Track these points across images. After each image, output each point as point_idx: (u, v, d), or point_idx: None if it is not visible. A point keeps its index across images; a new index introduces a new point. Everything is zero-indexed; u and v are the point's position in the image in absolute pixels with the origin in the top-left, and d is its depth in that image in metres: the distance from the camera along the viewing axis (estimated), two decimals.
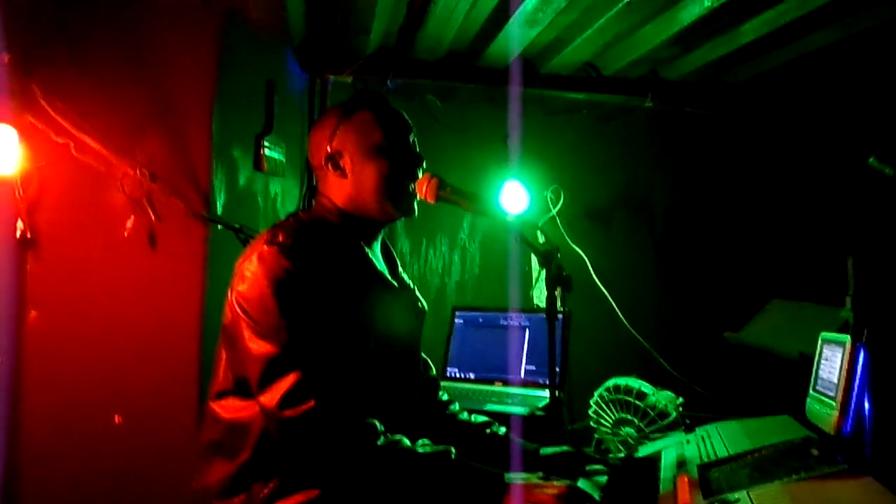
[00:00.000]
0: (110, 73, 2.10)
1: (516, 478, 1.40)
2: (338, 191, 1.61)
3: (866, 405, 1.40)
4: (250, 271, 1.45)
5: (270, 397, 1.37)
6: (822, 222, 2.97)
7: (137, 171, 2.07)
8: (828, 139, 2.90)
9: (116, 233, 2.09)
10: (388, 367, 1.59)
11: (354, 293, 1.51)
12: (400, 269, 1.78)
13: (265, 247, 1.46)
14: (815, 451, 1.32)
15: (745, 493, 1.18)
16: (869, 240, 2.09)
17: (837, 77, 2.81)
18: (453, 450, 1.43)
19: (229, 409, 1.49)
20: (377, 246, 1.69)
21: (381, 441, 1.38)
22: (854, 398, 1.40)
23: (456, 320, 2.85)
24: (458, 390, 2.63)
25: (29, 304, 2.05)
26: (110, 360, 2.10)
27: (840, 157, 2.75)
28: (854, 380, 1.41)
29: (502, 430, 1.79)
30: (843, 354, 1.46)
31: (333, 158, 1.59)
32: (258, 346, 1.40)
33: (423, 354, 1.84)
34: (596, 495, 1.47)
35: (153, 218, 2.09)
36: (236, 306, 1.45)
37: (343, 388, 1.40)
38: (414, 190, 1.62)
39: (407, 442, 1.41)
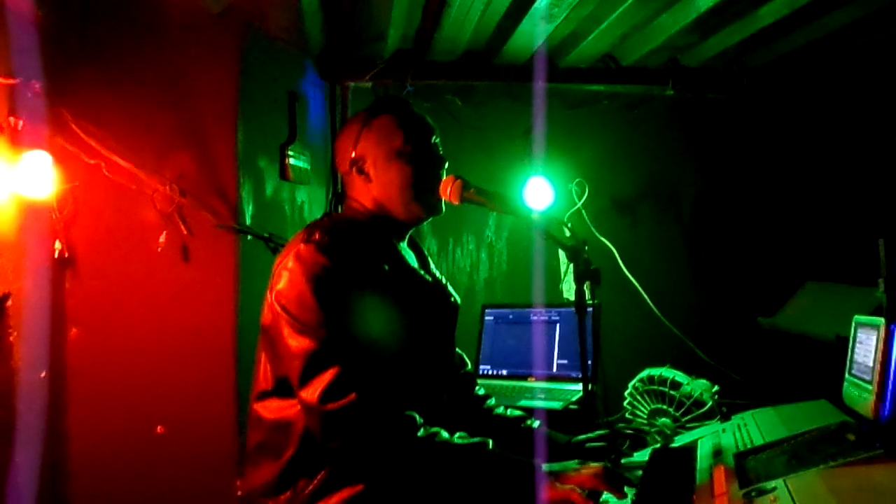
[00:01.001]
0: (137, 93, 2.16)
1: (554, 467, 1.42)
2: (365, 194, 1.64)
3: None
4: (288, 269, 1.48)
5: (312, 392, 1.39)
6: (854, 202, 2.92)
7: (167, 188, 2.12)
8: (853, 118, 2.86)
9: (150, 248, 2.15)
10: (423, 361, 1.61)
11: (389, 288, 1.54)
12: (431, 264, 1.80)
13: (302, 245, 1.49)
14: (851, 437, 1.31)
15: (781, 481, 1.17)
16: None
17: (859, 55, 2.76)
18: (490, 441, 1.45)
19: (272, 409, 1.52)
20: (404, 244, 1.71)
21: (421, 433, 1.41)
22: (891, 381, 1.38)
23: (486, 318, 2.86)
24: (491, 387, 2.62)
25: (69, 322, 2.11)
26: (150, 372, 2.16)
27: (867, 136, 2.71)
28: (890, 363, 1.39)
29: (537, 423, 1.81)
30: (877, 337, 1.44)
31: (358, 164, 1.63)
32: (298, 343, 1.43)
33: (458, 350, 1.87)
34: (632, 490, 1.47)
35: (185, 232, 2.13)
36: (276, 305, 1.48)
37: (382, 381, 1.42)
38: (437, 191, 1.65)
39: (445, 434, 1.44)
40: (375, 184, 1.62)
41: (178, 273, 2.15)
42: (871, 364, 1.45)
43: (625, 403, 2.42)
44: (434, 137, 1.68)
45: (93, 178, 2.08)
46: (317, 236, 1.49)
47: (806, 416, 1.60)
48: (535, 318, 2.76)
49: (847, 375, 1.62)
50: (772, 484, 1.17)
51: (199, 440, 2.16)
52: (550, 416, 2.29)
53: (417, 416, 1.43)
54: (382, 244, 1.61)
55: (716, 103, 3.15)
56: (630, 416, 2.42)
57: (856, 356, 1.58)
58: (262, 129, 2.37)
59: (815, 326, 2.47)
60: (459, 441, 1.44)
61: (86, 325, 2.13)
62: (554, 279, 3.06)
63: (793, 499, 1.07)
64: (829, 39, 2.66)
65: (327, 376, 1.39)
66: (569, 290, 2.99)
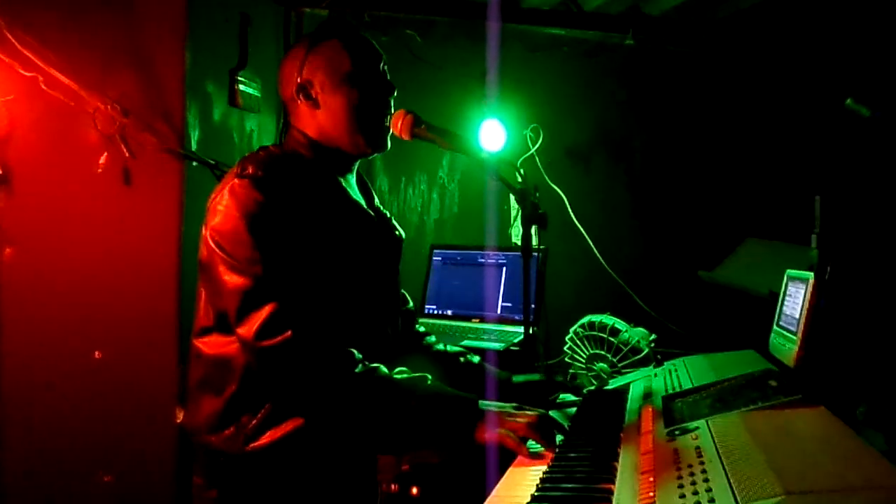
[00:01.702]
0: (79, 5, 2.05)
1: (490, 405, 1.43)
2: (309, 122, 1.60)
3: (824, 340, 1.45)
4: (222, 205, 1.45)
5: (247, 329, 1.39)
6: (799, 162, 2.99)
7: (109, 107, 2.04)
8: (808, 78, 2.90)
9: (90, 169, 2.08)
10: (366, 295, 1.60)
11: (329, 223, 1.52)
12: (377, 200, 1.78)
13: (235, 180, 1.46)
14: (773, 383, 1.37)
15: (704, 421, 1.22)
16: (839, 180, 2.11)
17: (818, 15, 2.78)
18: (430, 377, 1.46)
19: (212, 344, 1.51)
20: (352, 178, 1.68)
21: (358, 368, 1.41)
22: (813, 333, 1.44)
23: (434, 258, 2.87)
24: (435, 327, 2.67)
25: (3, 241, 2.04)
26: (88, 296, 2.11)
27: (819, 96, 2.75)
28: (814, 315, 1.45)
29: (476, 358, 1.84)
30: (805, 290, 1.50)
31: (304, 89, 1.57)
32: (234, 280, 1.41)
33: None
34: (565, 425, 1.52)
35: (127, 154, 2.07)
36: (210, 242, 1.45)
37: (320, 317, 1.42)
38: (387, 124, 1.62)
39: (384, 370, 1.44)
40: (322, 110, 1.58)
41: (119, 196, 2.09)
42: (797, 316, 1.52)
43: (565, 348, 2.48)
44: (382, 64, 1.63)
45: (30, 92, 1.99)
46: (250, 170, 1.46)
47: (734, 364, 1.66)
48: (483, 260, 2.79)
49: (775, 327, 1.69)
50: (695, 424, 1.23)
51: (139, 368, 2.14)
52: (492, 356, 2.33)
53: (356, 353, 1.43)
54: (323, 179, 1.57)
55: (674, 56, 3.15)
56: (569, 360, 2.48)
57: (784, 308, 1.65)
58: (212, 52, 2.29)
59: (751, 281, 2.54)
60: (398, 377, 1.45)
61: (20, 244, 2.07)
62: (504, 223, 3.07)
63: (712, 437, 1.12)
64: None
65: (262, 313, 1.38)
66: (517, 234, 3.02)
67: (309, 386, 1.40)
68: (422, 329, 1.92)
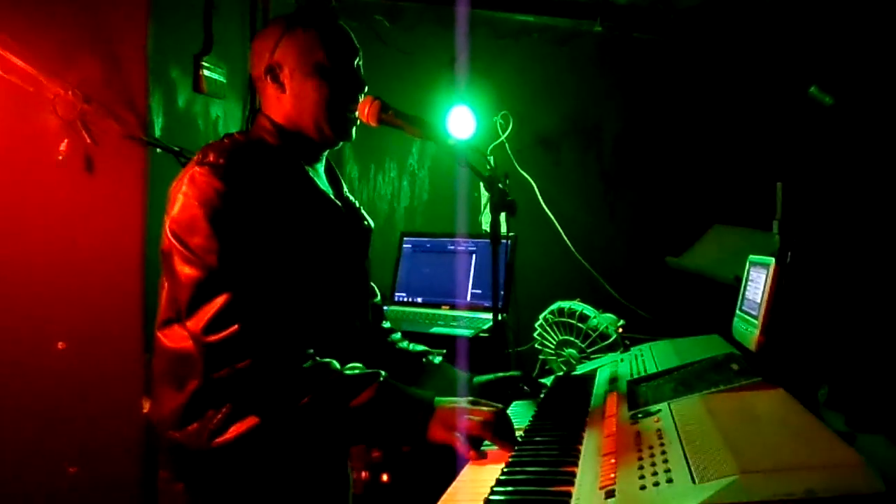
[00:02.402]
0: None
1: (445, 401, 1.39)
2: (276, 106, 1.56)
3: (784, 324, 1.48)
4: (182, 194, 1.41)
5: (196, 322, 1.35)
6: (765, 149, 3.03)
7: (70, 92, 1.99)
8: (771, 66, 2.93)
9: (50, 156, 2.03)
10: (333, 287, 1.57)
11: (294, 213, 1.48)
12: (346, 190, 1.75)
13: (196, 168, 1.42)
14: (735, 366, 1.39)
15: (666, 404, 1.24)
16: (800, 166, 2.15)
17: (780, 4, 2.82)
18: (384, 373, 1.41)
19: (173, 338, 1.47)
20: (320, 167, 1.65)
21: (308, 364, 1.37)
22: (774, 317, 1.47)
23: (404, 245, 2.87)
24: (405, 314, 2.67)
25: None
26: (50, 285, 2.07)
27: (782, 84, 2.79)
28: (775, 300, 1.48)
29: (438, 359, 1.80)
30: (766, 275, 1.52)
31: (273, 71, 1.54)
32: (187, 271, 1.37)
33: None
34: (530, 413, 1.53)
35: (88, 140, 2.02)
36: (169, 232, 1.42)
37: (273, 312, 1.38)
38: (354, 115, 1.59)
39: (336, 365, 1.40)
40: (289, 96, 1.54)
41: (81, 184, 2.05)
42: (758, 301, 1.54)
43: (535, 334, 2.50)
44: (357, 60, 1.60)
45: None
46: (211, 157, 1.41)
47: (698, 349, 1.69)
48: (452, 247, 2.79)
49: (738, 311, 1.72)
50: (657, 407, 1.24)
51: (104, 358, 2.11)
52: (461, 343, 2.34)
53: (309, 349, 1.39)
54: (289, 167, 1.53)
55: (642, 44, 3.17)
56: (539, 346, 2.51)
57: (747, 293, 1.67)
58: (176, 37, 2.25)
59: (717, 267, 2.57)
60: (350, 373, 1.40)
61: None
62: (474, 210, 3.08)
63: (674, 419, 1.13)
64: None
65: (212, 307, 1.34)
66: (487, 221, 3.03)
67: (254, 381, 1.35)
68: (387, 325, 1.88)
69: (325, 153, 1.66)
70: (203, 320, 1.34)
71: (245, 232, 1.39)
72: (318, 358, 1.39)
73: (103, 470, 2.11)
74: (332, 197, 1.62)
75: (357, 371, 1.41)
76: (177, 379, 1.47)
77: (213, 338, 1.33)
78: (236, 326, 1.33)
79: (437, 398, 1.40)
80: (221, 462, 1.45)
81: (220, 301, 1.34)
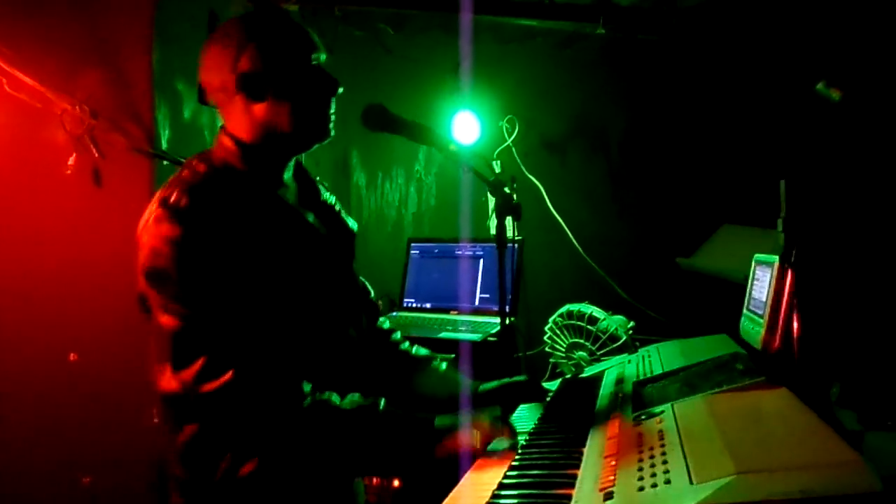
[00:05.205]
0: (44, 6, 2.03)
1: (446, 421, 1.38)
2: (242, 120, 1.43)
3: (792, 322, 1.46)
4: (147, 236, 1.33)
5: (187, 373, 1.30)
6: (773, 147, 3.01)
7: (77, 108, 2.02)
8: (776, 64, 2.91)
9: (59, 170, 2.06)
10: (320, 307, 1.50)
11: (269, 243, 1.39)
12: (323, 194, 1.64)
13: (158, 210, 1.33)
14: (739, 366, 1.39)
15: (669, 405, 1.24)
16: (805, 163, 2.13)
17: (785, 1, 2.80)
18: (382, 401, 1.39)
19: (165, 379, 1.36)
20: (289, 175, 1.53)
21: (307, 402, 1.34)
22: (779, 316, 1.46)
23: (412, 251, 2.88)
24: (414, 319, 2.68)
25: None
26: (61, 299, 2.10)
27: (788, 80, 2.77)
28: (780, 298, 1.47)
29: (443, 365, 1.75)
30: (771, 274, 1.51)
31: (241, 80, 1.39)
32: (166, 320, 1.31)
33: (361, 278, 1.75)
34: (537, 416, 1.53)
35: (96, 154, 2.05)
36: (143, 278, 1.35)
37: (263, 351, 1.32)
38: (331, 113, 1.49)
39: (336, 399, 1.37)
40: (262, 105, 1.41)
41: (90, 197, 2.08)
42: (764, 300, 1.53)
43: (545, 337, 2.50)
44: (322, 55, 1.48)
45: None
46: (173, 197, 1.32)
47: (705, 349, 1.68)
48: (460, 252, 2.80)
49: (745, 311, 1.71)
50: (660, 408, 1.24)
51: (115, 369, 2.13)
52: (470, 347, 2.34)
53: (305, 385, 1.35)
54: (258, 194, 1.43)
55: (646, 45, 3.16)
56: (549, 350, 2.50)
57: (753, 292, 1.67)
58: (181, 50, 2.27)
59: (727, 267, 2.56)
60: (349, 406, 1.37)
61: None
62: (482, 215, 3.08)
63: (675, 420, 1.13)
64: None
65: (200, 357, 1.28)
66: (495, 225, 3.03)
67: (256, 425, 1.32)
68: (387, 325, 1.81)
69: (292, 161, 1.53)
70: (193, 371, 1.29)
71: (216, 273, 1.31)
72: (317, 394, 1.36)
73: (117, 479, 2.13)
74: (310, 217, 1.53)
75: (355, 404, 1.38)
76: (175, 420, 1.41)
77: (208, 387, 1.28)
78: (230, 373, 1.28)
79: (437, 418, 1.38)
80: (231, 493, 1.39)
81: (205, 350, 1.29)
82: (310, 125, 1.47)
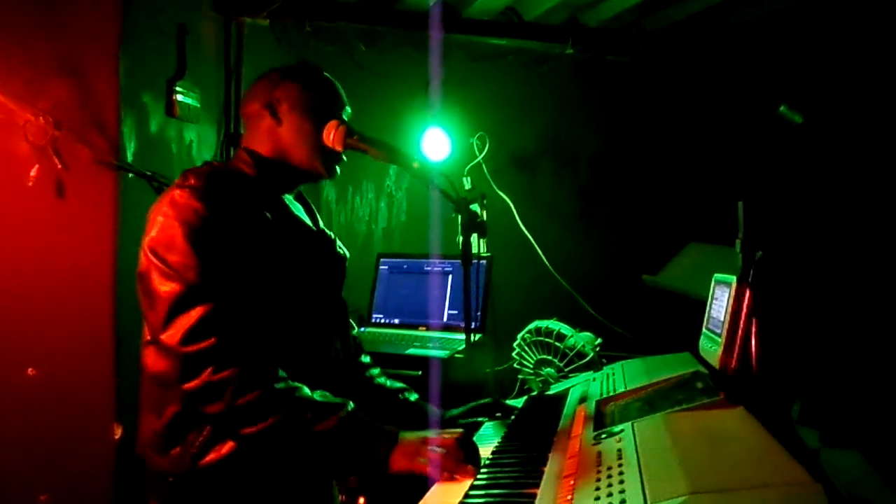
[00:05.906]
0: (8, 16, 2.00)
1: (408, 434, 1.40)
2: (266, 139, 1.63)
3: (749, 341, 1.49)
4: (162, 214, 1.44)
5: (173, 334, 1.36)
6: (739, 167, 3.06)
7: (40, 118, 1.99)
8: (739, 87, 2.98)
9: (20, 181, 2.03)
10: (308, 311, 1.59)
11: (270, 237, 1.51)
12: (320, 220, 1.78)
13: (176, 190, 1.45)
14: (699, 385, 1.40)
15: (629, 424, 1.25)
16: (764, 184, 2.18)
17: (750, 26, 2.87)
18: (351, 403, 1.43)
19: (152, 359, 1.46)
20: (293, 196, 1.70)
21: (280, 385, 1.39)
22: (737, 335, 1.48)
23: (381, 267, 2.87)
24: (382, 335, 2.67)
25: None
26: (21, 312, 2.06)
27: (750, 102, 2.83)
28: (738, 318, 1.49)
29: (414, 396, 1.82)
30: (729, 294, 1.54)
31: (272, 106, 1.62)
32: (166, 287, 1.39)
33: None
34: (500, 434, 1.54)
35: (59, 166, 2.02)
36: (148, 252, 1.43)
37: (249, 329, 1.40)
38: (341, 155, 1.68)
39: (307, 390, 1.41)
40: (285, 129, 1.62)
41: (52, 209, 2.05)
42: (722, 319, 1.55)
43: (513, 354, 2.50)
44: (348, 110, 1.71)
45: None
46: (192, 181, 1.46)
47: (668, 367, 1.70)
48: (429, 268, 2.80)
49: (704, 330, 1.73)
50: (620, 427, 1.25)
51: (75, 384, 2.09)
52: (437, 364, 2.34)
53: (281, 371, 1.41)
54: (265, 194, 1.58)
55: (615, 65, 3.21)
56: (518, 366, 2.51)
57: (712, 311, 1.69)
58: (148, 62, 2.25)
59: (692, 285, 2.59)
60: (319, 398, 1.42)
61: None
62: (452, 231, 3.09)
63: (634, 439, 1.14)
64: (721, 7, 2.75)
65: (189, 318, 1.36)
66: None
67: (226, 394, 1.35)
68: (367, 359, 1.89)
69: (300, 187, 1.73)
70: (180, 332, 1.36)
71: (223, 252, 1.42)
72: (290, 381, 1.41)
73: (75, 498, 2.08)
74: (308, 222, 1.66)
75: (325, 399, 1.43)
76: (157, 403, 1.49)
77: (189, 348, 1.35)
78: (213, 339, 1.35)
79: (401, 431, 1.41)
80: (206, 488, 1.46)
81: (197, 313, 1.36)
82: (318, 157, 1.66)
